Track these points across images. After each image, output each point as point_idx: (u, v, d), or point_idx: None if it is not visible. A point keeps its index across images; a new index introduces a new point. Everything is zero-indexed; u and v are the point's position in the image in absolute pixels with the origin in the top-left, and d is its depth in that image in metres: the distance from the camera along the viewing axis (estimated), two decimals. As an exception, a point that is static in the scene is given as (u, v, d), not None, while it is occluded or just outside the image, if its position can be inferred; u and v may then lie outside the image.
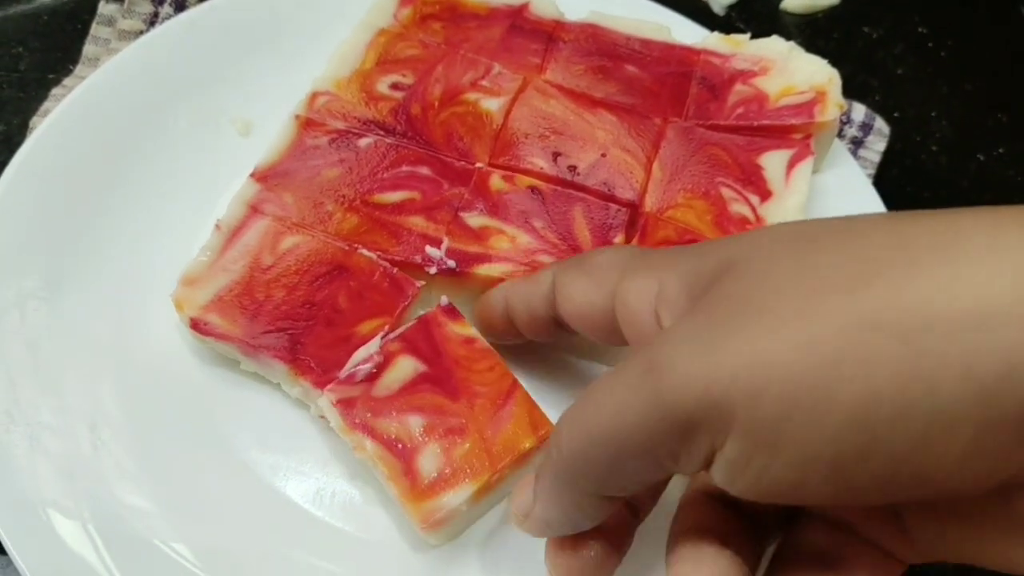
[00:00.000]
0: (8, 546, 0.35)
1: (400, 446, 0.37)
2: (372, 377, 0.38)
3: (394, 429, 0.37)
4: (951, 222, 0.24)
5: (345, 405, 0.37)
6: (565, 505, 0.29)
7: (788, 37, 0.50)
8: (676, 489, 0.32)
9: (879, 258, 0.23)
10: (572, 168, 0.45)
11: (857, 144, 0.54)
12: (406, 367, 0.38)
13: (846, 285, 0.23)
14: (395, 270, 0.41)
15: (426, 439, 0.37)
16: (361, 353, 0.39)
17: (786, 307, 0.24)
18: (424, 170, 0.44)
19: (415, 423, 0.37)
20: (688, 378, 0.24)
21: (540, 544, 0.32)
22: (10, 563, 0.35)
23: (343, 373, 0.39)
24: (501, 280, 0.42)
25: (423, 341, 0.39)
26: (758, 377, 0.23)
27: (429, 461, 0.36)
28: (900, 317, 0.22)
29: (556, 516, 0.30)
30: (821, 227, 0.26)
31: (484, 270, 0.42)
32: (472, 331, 0.39)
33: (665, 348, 0.25)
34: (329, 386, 0.38)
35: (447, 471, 0.36)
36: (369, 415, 0.37)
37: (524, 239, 0.43)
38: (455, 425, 0.37)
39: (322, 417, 0.39)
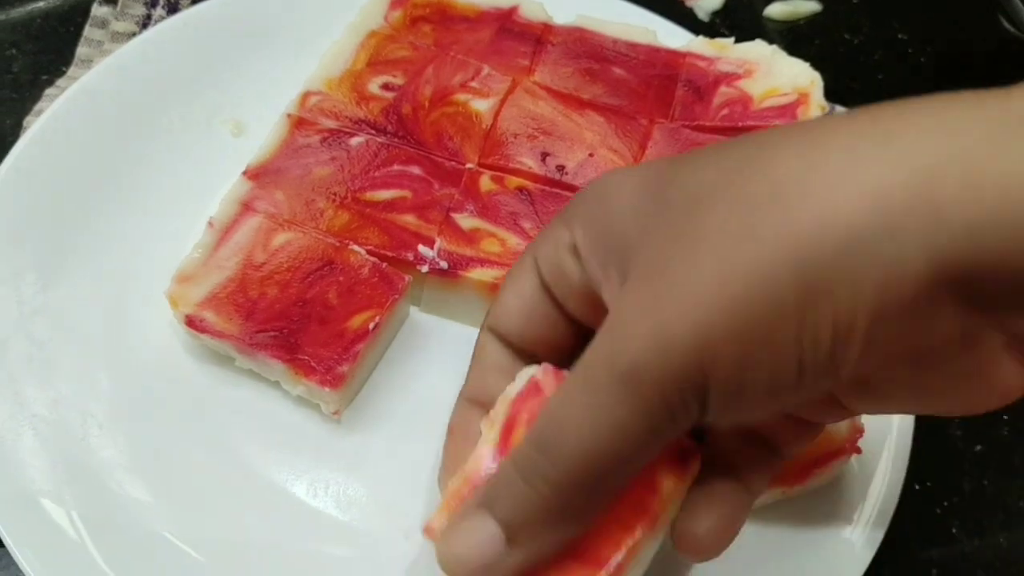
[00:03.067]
0: (5, 537, 0.36)
1: None
2: None
3: None
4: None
5: None
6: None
7: (771, 43, 0.50)
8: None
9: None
10: (560, 168, 0.46)
11: (839, 147, 0.55)
12: None
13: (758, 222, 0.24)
14: (384, 265, 0.42)
15: None
16: None
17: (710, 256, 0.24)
18: (415, 169, 0.45)
19: None
20: (659, 373, 0.25)
21: None
22: (12, 562, 0.36)
23: None
24: (490, 284, 0.42)
25: None
26: (713, 329, 0.24)
27: None
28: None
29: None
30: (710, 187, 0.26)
31: (475, 274, 0.42)
32: None
33: (621, 341, 0.25)
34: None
35: None
36: None
37: (513, 241, 0.44)
38: None
39: None
